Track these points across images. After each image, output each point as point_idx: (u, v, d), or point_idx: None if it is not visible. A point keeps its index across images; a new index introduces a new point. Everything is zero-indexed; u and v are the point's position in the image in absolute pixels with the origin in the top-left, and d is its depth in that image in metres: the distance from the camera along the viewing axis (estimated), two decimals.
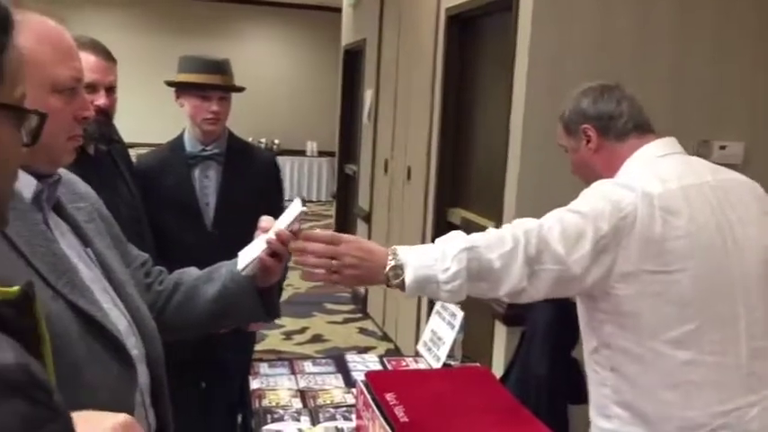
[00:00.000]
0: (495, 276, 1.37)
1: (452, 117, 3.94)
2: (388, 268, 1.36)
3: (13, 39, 0.69)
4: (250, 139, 2.85)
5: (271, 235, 1.37)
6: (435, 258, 1.37)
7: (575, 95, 1.66)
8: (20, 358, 0.58)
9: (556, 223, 1.41)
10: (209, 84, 2.41)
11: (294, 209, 1.38)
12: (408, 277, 1.36)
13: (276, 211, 2.66)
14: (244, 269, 1.38)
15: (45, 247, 1.10)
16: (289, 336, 5.11)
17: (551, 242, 1.39)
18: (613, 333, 1.47)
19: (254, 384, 1.91)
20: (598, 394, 1.54)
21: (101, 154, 2.02)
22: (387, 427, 1.32)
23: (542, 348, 2.24)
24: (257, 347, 2.87)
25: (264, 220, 1.42)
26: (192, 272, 1.46)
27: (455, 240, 1.39)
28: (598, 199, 1.45)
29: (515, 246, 1.37)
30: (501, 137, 3.08)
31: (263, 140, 10.68)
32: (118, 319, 1.18)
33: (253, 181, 2.48)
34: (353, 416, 1.64)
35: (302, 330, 5.27)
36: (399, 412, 1.36)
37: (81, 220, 1.25)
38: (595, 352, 1.53)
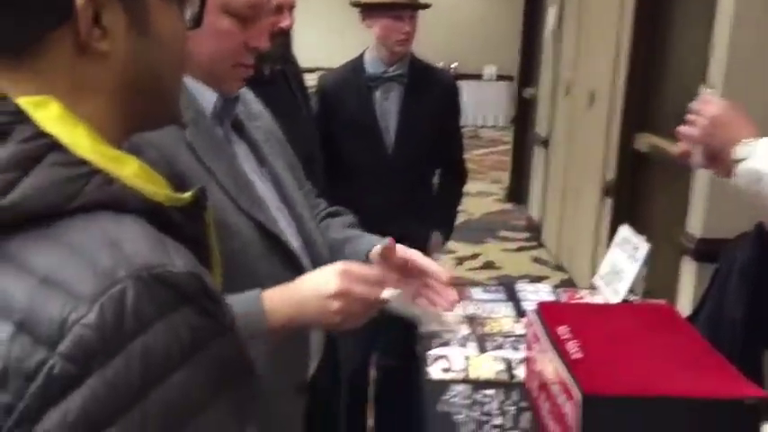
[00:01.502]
0: None
1: (644, 33, 3.58)
2: (747, 140, 1.30)
3: None
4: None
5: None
6: None
7: None
8: (191, 267, 0.55)
9: None
10: (402, 3, 2.38)
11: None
12: (757, 162, 1.26)
13: (453, 135, 2.62)
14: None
15: (227, 162, 1.12)
16: (461, 261, 5.12)
17: None
18: None
19: None
20: None
21: (275, 75, 2.06)
22: (558, 362, 1.24)
23: (740, 289, 2.00)
24: None
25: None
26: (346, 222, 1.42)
27: None
28: None
29: None
30: (700, 54, 2.76)
31: (441, 64, 10.55)
32: (293, 237, 1.19)
33: (433, 103, 2.46)
34: (522, 347, 1.58)
35: (474, 256, 5.25)
36: (572, 347, 1.28)
37: (258, 139, 1.25)
38: None
